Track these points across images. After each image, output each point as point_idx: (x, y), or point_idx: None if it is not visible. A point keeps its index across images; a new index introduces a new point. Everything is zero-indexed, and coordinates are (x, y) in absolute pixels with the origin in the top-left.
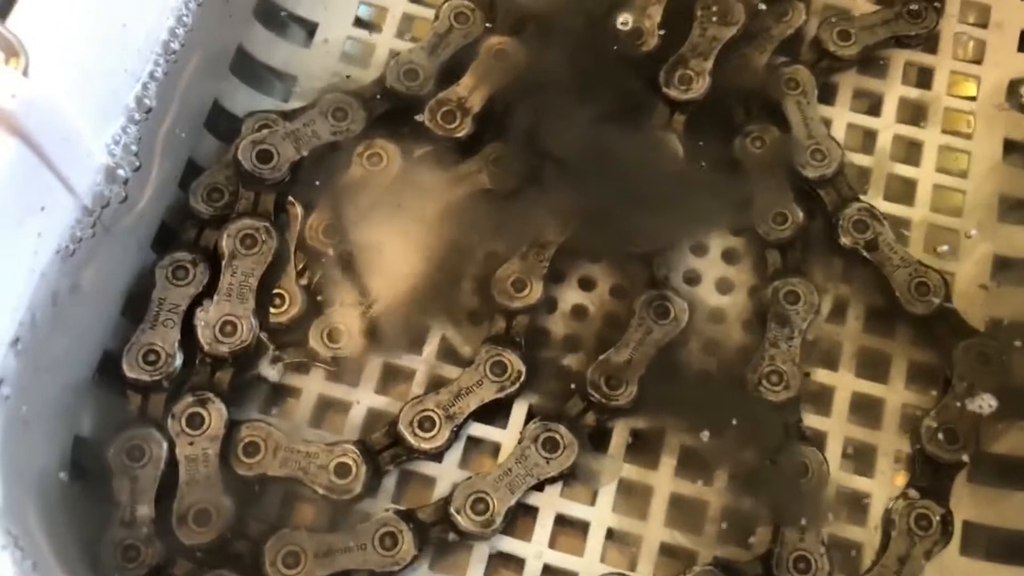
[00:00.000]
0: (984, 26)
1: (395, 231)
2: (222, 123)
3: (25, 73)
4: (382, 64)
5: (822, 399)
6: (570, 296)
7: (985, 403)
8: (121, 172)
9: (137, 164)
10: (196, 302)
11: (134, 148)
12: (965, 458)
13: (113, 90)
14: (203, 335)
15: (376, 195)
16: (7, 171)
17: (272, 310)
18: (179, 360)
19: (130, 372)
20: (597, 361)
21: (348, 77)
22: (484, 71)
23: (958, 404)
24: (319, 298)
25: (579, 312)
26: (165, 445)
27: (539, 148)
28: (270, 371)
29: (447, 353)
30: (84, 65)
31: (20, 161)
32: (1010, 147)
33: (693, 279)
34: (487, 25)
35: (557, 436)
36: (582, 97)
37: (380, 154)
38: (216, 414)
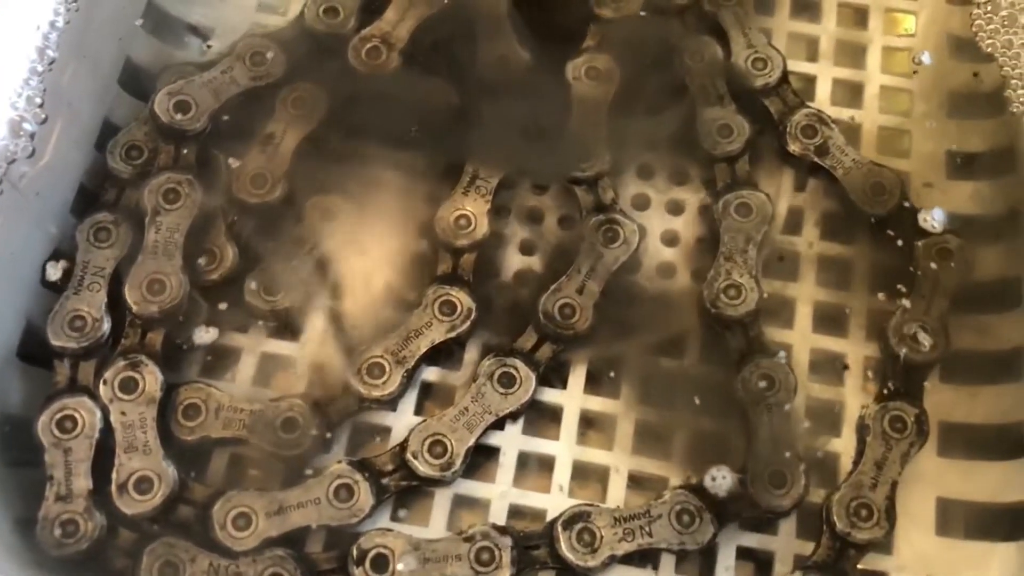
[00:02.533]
0: None
1: (328, 177)
2: (138, 83)
3: None
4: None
5: (784, 311)
6: (516, 230)
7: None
8: (27, 126)
9: (43, 116)
10: (122, 264)
11: (39, 100)
12: (941, 349)
13: (11, 40)
14: (131, 295)
15: (303, 142)
16: None
17: (203, 266)
18: (107, 325)
19: (56, 340)
20: (549, 291)
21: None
22: (407, 3)
23: (923, 302)
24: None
25: (527, 245)
26: (99, 413)
27: (472, 79)
28: (204, 335)
29: (391, 297)
30: None
31: None
32: (955, 43)
33: (642, 203)
34: None
35: (513, 371)
36: (513, 23)
37: (304, 98)
38: (151, 377)
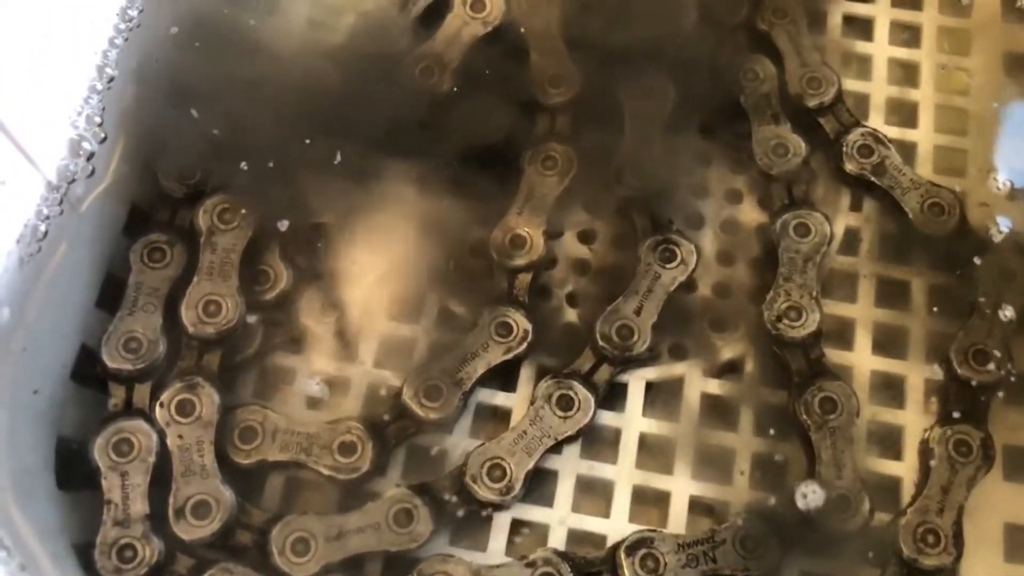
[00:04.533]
0: None
1: (380, 197)
2: None
3: None
4: (352, 20)
5: (844, 333)
6: (572, 250)
7: (1009, 317)
8: (87, 145)
9: (103, 136)
10: (177, 285)
11: (98, 120)
12: (1004, 370)
13: (71, 57)
14: (187, 316)
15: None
16: None
17: (257, 287)
18: (163, 346)
19: (111, 362)
20: (606, 312)
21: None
22: (460, 23)
23: (985, 323)
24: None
25: (582, 265)
26: (155, 436)
27: (528, 98)
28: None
29: (447, 318)
30: (41, 33)
31: None
32: (1011, 60)
33: (698, 222)
34: None
35: (571, 393)
36: (569, 44)
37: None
38: (208, 399)
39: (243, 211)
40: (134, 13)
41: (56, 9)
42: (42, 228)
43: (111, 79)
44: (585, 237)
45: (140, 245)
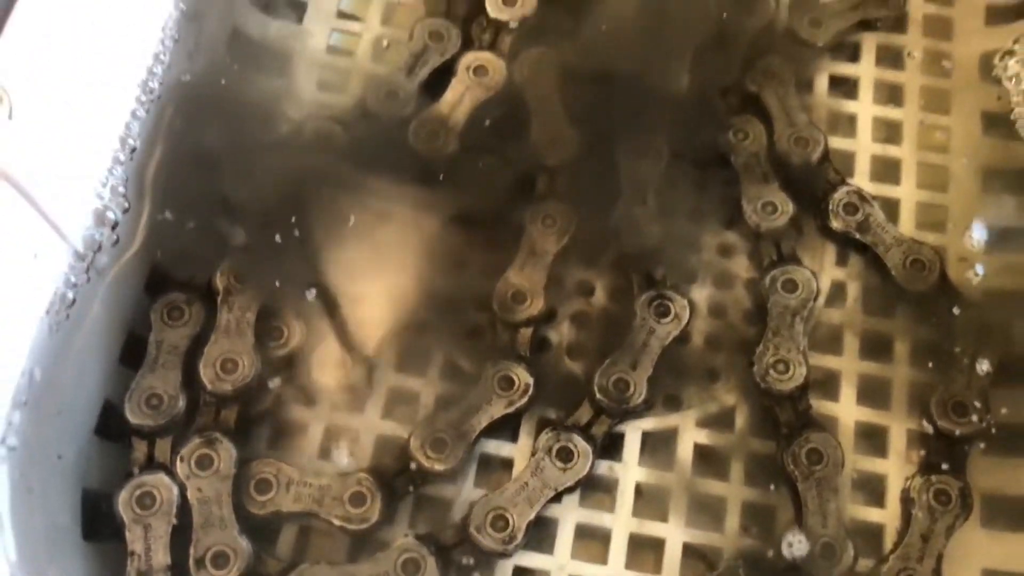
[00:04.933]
0: (949, 3)
1: (389, 254)
2: None
3: (10, 116)
4: (360, 85)
5: (829, 384)
6: (570, 302)
7: (986, 371)
8: (111, 215)
9: (126, 206)
10: (195, 342)
11: (122, 190)
12: (983, 422)
13: (96, 131)
14: (205, 374)
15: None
16: None
17: (272, 343)
18: (182, 402)
19: (134, 418)
20: (603, 366)
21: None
22: (464, 88)
23: (964, 375)
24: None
25: (580, 318)
26: (175, 489)
27: (528, 159)
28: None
29: (451, 372)
30: (66, 108)
31: (9, 207)
32: (988, 119)
33: (691, 276)
34: None
35: (571, 445)
36: (567, 107)
37: None
38: (225, 453)
39: (257, 273)
40: (155, 85)
41: (81, 85)
42: (70, 296)
43: (133, 149)
44: (583, 290)
45: (160, 304)
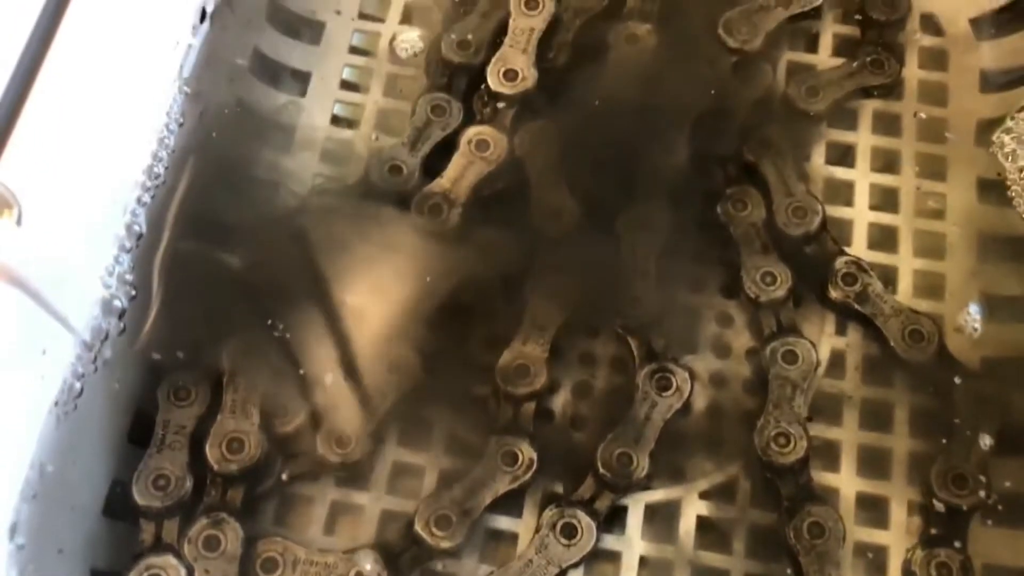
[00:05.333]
0: (944, 70)
1: (391, 328)
2: None
3: (19, 223)
4: (363, 159)
5: (830, 455)
6: (573, 373)
7: (987, 443)
8: (117, 303)
9: (133, 293)
10: (201, 422)
11: (128, 277)
12: (983, 494)
13: (102, 222)
14: (211, 455)
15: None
16: (7, 321)
17: (277, 421)
18: (189, 482)
19: (141, 499)
20: (606, 441)
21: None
22: (466, 162)
23: (964, 447)
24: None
25: (583, 389)
26: (183, 571)
27: (533, 232)
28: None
29: (455, 445)
30: (73, 203)
31: (19, 309)
32: (984, 186)
33: (692, 347)
34: None
35: (575, 521)
36: (568, 179)
37: None
38: (232, 534)
39: (262, 353)
40: (160, 170)
41: (87, 178)
42: (77, 386)
43: (140, 236)
44: (586, 361)
45: (167, 384)
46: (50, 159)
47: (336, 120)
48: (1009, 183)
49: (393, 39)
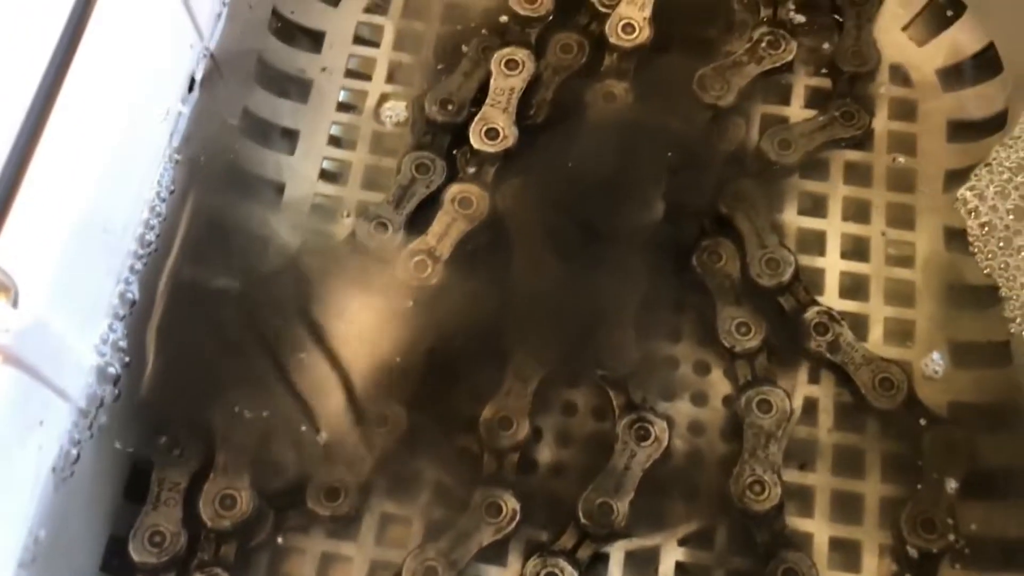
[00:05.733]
0: (913, 120)
1: (377, 382)
2: None
3: (15, 304)
4: (350, 216)
5: (804, 500)
6: (555, 422)
7: (953, 487)
8: (112, 370)
9: (127, 360)
10: (195, 479)
11: (122, 344)
12: (951, 538)
13: (96, 294)
14: (204, 511)
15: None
16: (6, 399)
17: (269, 476)
18: (184, 538)
19: (138, 556)
20: (587, 491)
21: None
22: (450, 219)
23: (932, 492)
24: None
25: (565, 437)
26: None
27: (512, 284)
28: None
29: (441, 496)
30: (67, 279)
31: (17, 386)
32: (951, 234)
33: (669, 394)
34: None
35: (557, 571)
36: (548, 234)
37: None
38: None
39: (254, 410)
40: (151, 238)
41: (82, 251)
42: (74, 453)
43: (133, 303)
44: (568, 410)
45: (161, 443)
46: (45, 239)
47: (324, 175)
48: (972, 239)
49: (379, 105)
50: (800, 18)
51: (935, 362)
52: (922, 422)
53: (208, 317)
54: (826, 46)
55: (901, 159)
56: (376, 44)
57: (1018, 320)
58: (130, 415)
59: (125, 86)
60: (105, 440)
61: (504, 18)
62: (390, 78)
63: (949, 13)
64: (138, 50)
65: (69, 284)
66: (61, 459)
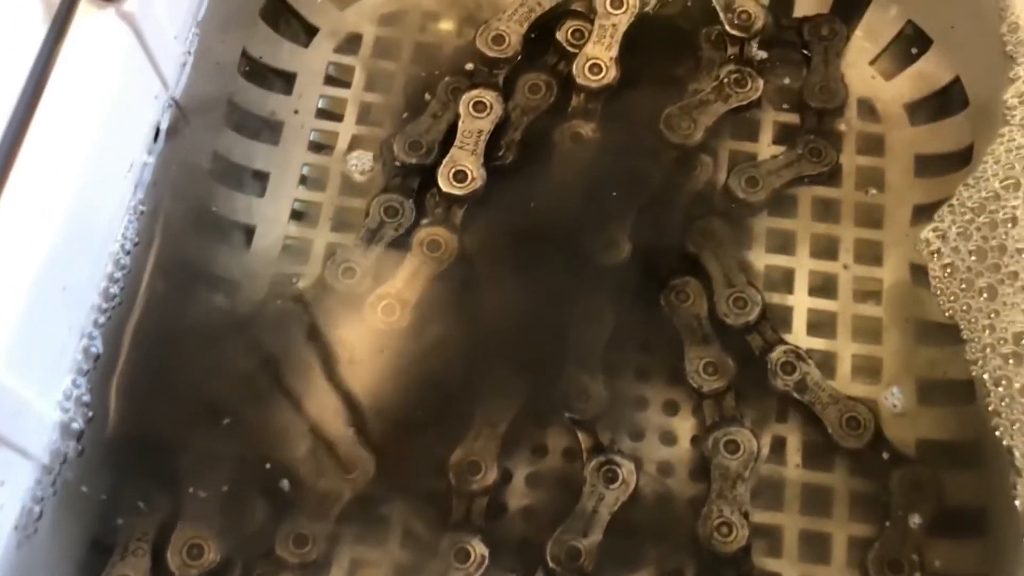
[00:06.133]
0: (881, 155)
1: (347, 425)
2: None
3: None
4: (319, 259)
5: (772, 540)
6: (523, 465)
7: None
8: (75, 426)
9: (90, 415)
10: (163, 529)
11: (86, 399)
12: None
13: (58, 348)
14: (172, 561)
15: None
16: None
17: (237, 523)
18: None
19: None
20: (556, 534)
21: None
22: (419, 263)
23: (899, 531)
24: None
25: (534, 479)
26: None
27: (480, 327)
28: None
29: (409, 540)
30: (26, 339)
31: None
32: (917, 271)
33: (638, 434)
34: None
35: None
36: (516, 274)
37: None
38: None
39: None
40: (116, 290)
41: (44, 305)
42: (37, 510)
43: (97, 357)
44: (536, 452)
45: (128, 495)
46: (6, 297)
47: (296, 216)
48: (934, 280)
49: (348, 151)
50: (766, 55)
51: (895, 396)
52: (889, 464)
53: (173, 367)
54: (789, 82)
55: (874, 191)
56: (347, 84)
57: (979, 363)
58: (95, 468)
59: (86, 142)
60: (70, 497)
61: (470, 65)
62: (360, 119)
63: (914, 51)
64: (100, 105)
65: (28, 344)
66: (24, 517)
